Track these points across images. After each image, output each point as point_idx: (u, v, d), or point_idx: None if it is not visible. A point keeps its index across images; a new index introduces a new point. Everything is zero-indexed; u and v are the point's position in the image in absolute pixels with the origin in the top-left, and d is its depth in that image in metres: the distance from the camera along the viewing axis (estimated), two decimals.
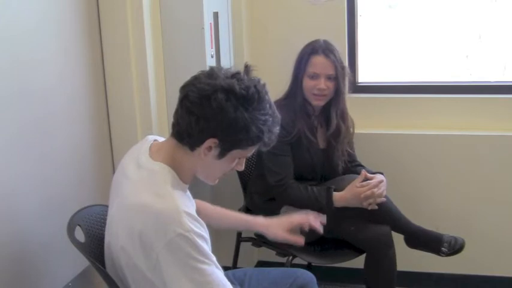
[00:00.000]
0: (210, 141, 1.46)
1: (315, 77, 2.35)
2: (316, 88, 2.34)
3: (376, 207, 2.29)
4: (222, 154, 1.49)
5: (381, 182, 2.32)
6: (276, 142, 2.33)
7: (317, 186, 2.36)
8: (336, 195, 2.31)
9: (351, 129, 2.53)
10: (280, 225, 1.88)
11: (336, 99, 2.40)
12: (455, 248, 2.32)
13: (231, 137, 1.47)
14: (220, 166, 1.54)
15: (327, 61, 2.33)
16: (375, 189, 2.28)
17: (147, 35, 2.25)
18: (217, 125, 1.44)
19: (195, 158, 1.50)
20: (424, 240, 2.37)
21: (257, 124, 1.46)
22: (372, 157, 2.66)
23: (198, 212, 1.52)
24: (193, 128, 1.45)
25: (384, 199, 2.30)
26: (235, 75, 1.46)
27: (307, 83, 2.36)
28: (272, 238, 1.89)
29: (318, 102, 2.39)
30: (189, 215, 1.41)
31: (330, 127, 2.42)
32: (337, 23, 2.82)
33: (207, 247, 1.43)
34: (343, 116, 2.45)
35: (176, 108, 1.49)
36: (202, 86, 1.44)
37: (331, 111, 2.41)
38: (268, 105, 1.49)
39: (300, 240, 1.86)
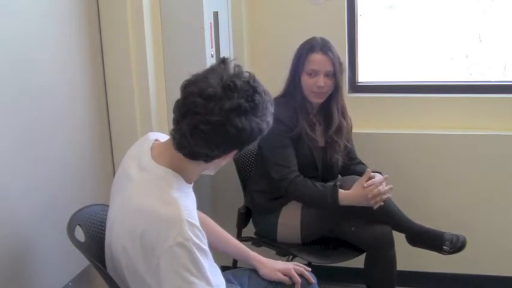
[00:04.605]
0: (232, 153, 1.50)
1: (313, 74, 2.35)
2: (316, 85, 2.34)
3: (382, 203, 2.27)
4: (237, 154, 1.54)
5: (384, 179, 2.31)
6: (277, 136, 2.35)
7: (323, 183, 2.37)
8: (342, 193, 2.30)
9: (350, 124, 2.54)
10: (274, 268, 1.89)
11: (335, 95, 2.41)
12: (457, 245, 2.32)
13: (249, 143, 1.51)
14: (231, 158, 1.56)
15: (325, 58, 2.34)
16: (381, 187, 2.26)
17: (147, 35, 2.25)
18: (238, 142, 1.47)
19: (208, 164, 1.52)
20: (425, 238, 2.37)
21: (266, 119, 1.49)
22: (372, 157, 2.66)
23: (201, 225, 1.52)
24: (214, 151, 1.46)
25: (389, 195, 2.30)
26: (231, 87, 1.42)
27: (306, 81, 2.37)
28: (265, 276, 1.89)
29: (317, 100, 2.39)
30: (191, 224, 1.41)
31: (332, 124, 2.43)
32: (337, 22, 2.82)
33: (203, 259, 1.42)
34: (344, 112, 2.47)
35: (182, 133, 1.44)
36: (212, 116, 1.40)
37: (332, 108, 2.42)
38: (264, 95, 1.49)
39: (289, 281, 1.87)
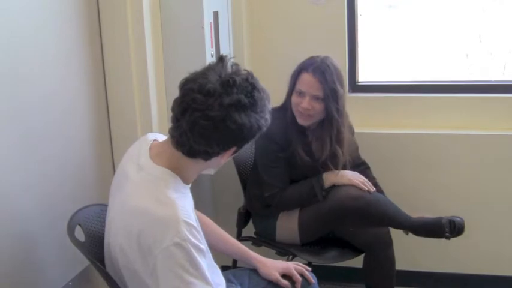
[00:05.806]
0: (231, 151, 1.50)
1: (301, 94, 2.26)
2: (300, 106, 2.26)
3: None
4: (236, 152, 1.53)
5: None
6: (270, 154, 2.30)
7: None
8: (327, 173, 2.31)
9: (354, 142, 2.49)
10: (274, 267, 1.89)
11: (328, 122, 2.29)
12: (455, 230, 2.30)
13: (248, 140, 1.51)
14: (229, 157, 1.56)
15: (314, 81, 2.23)
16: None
17: (147, 35, 2.25)
18: (237, 138, 1.47)
19: (207, 163, 1.53)
20: (427, 229, 2.33)
21: (264, 116, 1.50)
22: (371, 156, 2.66)
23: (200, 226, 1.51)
24: (213, 148, 1.47)
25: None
26: (230, 83, 1.43)
27: (294, 99, 2.29)
28: (264, 276, 1.89)
29: (303, 122, 2.31)
30: (188, 224, 1.41)
31: (324, 152, 2.32)
32: (337, 23, 2.82)
33: (201, 259, 1.42)
34: (339, 140, 2.32)
35: (182, 131, 1.44)
36: (212, 112, 1.41)
37: (324, 136, 2.31)
38: (262, 92, 1.50)
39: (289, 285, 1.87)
